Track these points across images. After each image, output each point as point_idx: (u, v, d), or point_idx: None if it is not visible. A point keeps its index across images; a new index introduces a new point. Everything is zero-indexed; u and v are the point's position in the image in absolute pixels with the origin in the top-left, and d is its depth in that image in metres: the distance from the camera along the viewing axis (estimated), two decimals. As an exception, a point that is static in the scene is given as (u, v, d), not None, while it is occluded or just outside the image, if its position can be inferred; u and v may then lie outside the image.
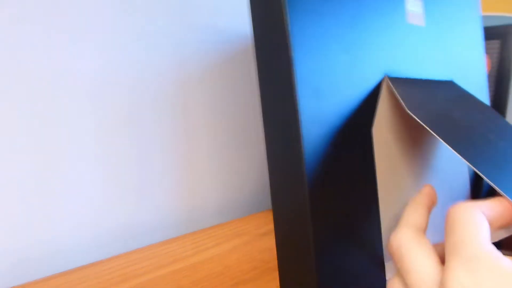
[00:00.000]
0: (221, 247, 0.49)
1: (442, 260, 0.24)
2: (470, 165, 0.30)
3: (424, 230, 0.26)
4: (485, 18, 0.65)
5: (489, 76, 0.61)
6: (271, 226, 0.57)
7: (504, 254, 0.23)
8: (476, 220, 0.23)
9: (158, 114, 0.57)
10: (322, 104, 0.31)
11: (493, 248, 0.22)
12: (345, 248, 0.32)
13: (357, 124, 0.33)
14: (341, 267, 0.31)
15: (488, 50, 0.63)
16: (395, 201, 0.35)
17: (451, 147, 0.31)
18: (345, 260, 0.32)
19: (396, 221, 0.33)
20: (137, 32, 0.54)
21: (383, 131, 0.35)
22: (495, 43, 0.62)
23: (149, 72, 0.55)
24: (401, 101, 0.33)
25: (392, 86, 0.34)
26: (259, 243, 0.51)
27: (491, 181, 0.29)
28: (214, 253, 0.48)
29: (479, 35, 0.44)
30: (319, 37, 0.32)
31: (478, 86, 0.43)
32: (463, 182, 0.38)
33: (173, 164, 0.59)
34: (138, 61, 0.54)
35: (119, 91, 0.53)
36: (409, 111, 0.32)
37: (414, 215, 0.27)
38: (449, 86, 0.38)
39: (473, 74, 0.42)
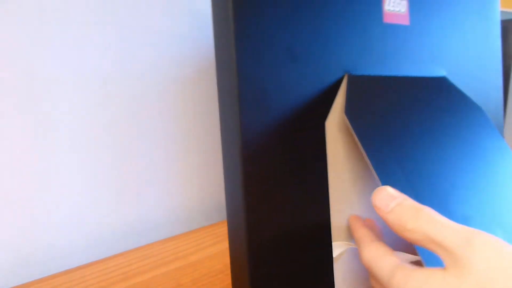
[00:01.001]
0: (221, 245, 0.49)
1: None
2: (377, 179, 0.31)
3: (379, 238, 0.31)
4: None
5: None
6: (271, 224, 0.57)
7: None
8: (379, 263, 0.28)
9: (159, 113, 0.57)
10: (268, 104, 0.32)
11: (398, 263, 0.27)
12: (285, 253, 0.33)
13: (313, 120, 0.34)
14: (278, 275, 0.32)
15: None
16: (346, 196, 0.36)
17: (369, 158, 0.33)
18: (284, 267, 0.33)
19: (345, 215, 0.35)
20: (136, 30, 0.54)
21: (338, 126, 0.36)
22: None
23: (149, 71, 0.55)
24: (344, 101, 0.35)
25: (346, 84, 0.35)
26: (259, 240, 0.51)
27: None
28: (214, 251, 0.48)
29: (485, 31, 0.43)
30: (266, 40, 0.33)
31: (487, 80, 0.42)
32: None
33: (173, 162, 0.58)
34: (136, 60, 0.54)
35: (119, 91, 0.53)
36: (344, 113, 0.34)
37: (365, 235, 0.31)
38: (428, 83, 0.37)
39: (477, 69, 0.41)
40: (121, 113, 0.54)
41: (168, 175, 0.58)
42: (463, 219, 0.32)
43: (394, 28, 0.35)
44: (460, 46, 0.39)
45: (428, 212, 0.26)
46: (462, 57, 0.39)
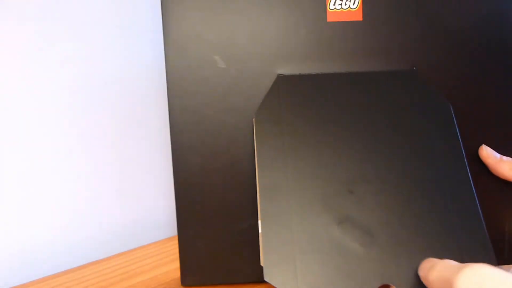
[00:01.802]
0: (222, 245, 0.49)
1: None
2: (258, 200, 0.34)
3: None
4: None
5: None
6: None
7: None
8: None
9: (159, 113, 0.57)
10: (196, 105, 0.37)
11: None
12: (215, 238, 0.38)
13: (247, 116, 0.38)
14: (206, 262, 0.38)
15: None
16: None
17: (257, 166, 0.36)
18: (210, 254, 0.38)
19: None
20: (136, 30, 0.54)
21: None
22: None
23: (149, 71, 0.55)
24: (262, 102, 0.38)
25: (274, 84, 0.37)
26: (260, 240, 0.51)
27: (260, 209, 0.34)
28: (215, 251, 0.48)
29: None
30: (194, 45, 0.37)
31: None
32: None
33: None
34: (137, 60, 0.54)
35: (119, 91, 0.53)
36: (254, 116, 0.37)
37: None
38: (386, 77, 0.37)
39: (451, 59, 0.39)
40: (121, 113, 0.54)
41: (168, 175, 0.58)
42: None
43: (342, 25, 0.36)
44: (432, 35, 0.37)
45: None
46: (434, 47, 0.37)
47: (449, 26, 0.36)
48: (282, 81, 0.37)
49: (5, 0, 0.45)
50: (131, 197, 0.55)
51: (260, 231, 0.34)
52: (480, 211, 0.33)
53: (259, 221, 0.35)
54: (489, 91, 0.39)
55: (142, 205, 0.56)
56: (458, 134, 0.36)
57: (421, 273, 0.32)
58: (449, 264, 0.29)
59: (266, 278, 0.31)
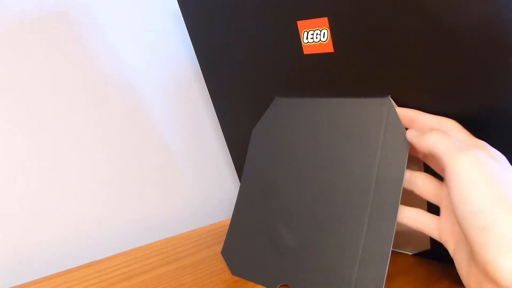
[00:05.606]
0: (222, 245, 0.49)
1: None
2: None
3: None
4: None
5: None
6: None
7: None
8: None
9: (160, 112, 0.57)
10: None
11: None
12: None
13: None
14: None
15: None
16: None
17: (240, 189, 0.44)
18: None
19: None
20: (136, 30, 0.54)
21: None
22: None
23: (150, 71, 0.55)
24: (260, 121, 0.44)
25: (271, 105, 0.43)
26: (260, 240, 0.51)
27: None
28: (215, 251, 0.48)
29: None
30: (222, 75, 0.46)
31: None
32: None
33: (173, 162, 0.58)
34: (137, 59, 0.54)
35: (120, 90, 0.53)
36: (252, 132, 0.44)
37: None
38: (360, 105, 0.37)
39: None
40: (121, 113, 0.54)
41: (168, 175, 0.58)
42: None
43: (317, 57, 0.38)
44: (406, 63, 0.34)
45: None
46: (409, 75, 0.34)
47: (422, 51, 0.31)
48: (279, 103, 0.42)
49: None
50: (131, 197, 0.55)
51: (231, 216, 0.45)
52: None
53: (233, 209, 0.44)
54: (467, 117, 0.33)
55: (142, 205, 0.56)
56: (404, 173, 0.33)
57: (415, 133, 0.33)
58: (454, 140, 0.30)
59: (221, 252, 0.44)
